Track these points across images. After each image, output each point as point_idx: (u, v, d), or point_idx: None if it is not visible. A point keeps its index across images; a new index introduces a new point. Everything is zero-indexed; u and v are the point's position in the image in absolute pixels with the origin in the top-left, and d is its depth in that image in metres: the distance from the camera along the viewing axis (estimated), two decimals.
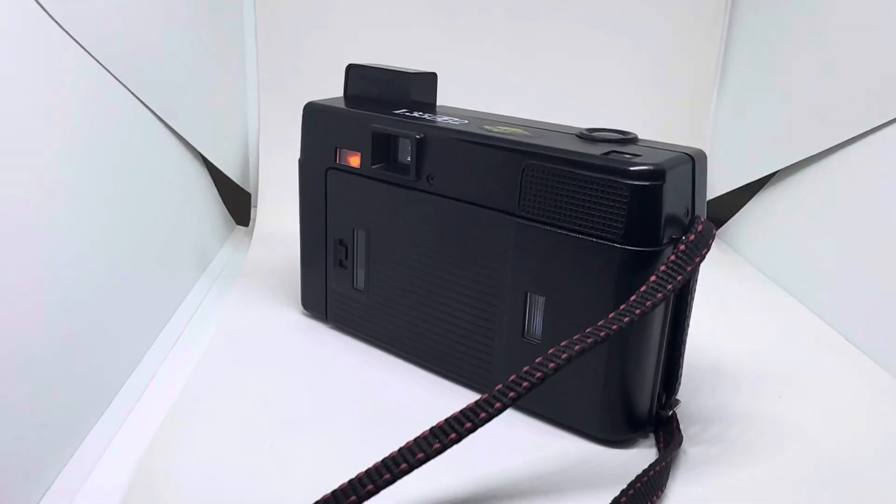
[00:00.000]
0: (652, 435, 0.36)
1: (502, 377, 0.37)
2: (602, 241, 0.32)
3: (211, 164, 0.61)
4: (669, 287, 0.31)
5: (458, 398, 0.38)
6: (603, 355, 0.33)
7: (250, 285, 0.51)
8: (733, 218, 0.68)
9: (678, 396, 0.37)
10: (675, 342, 0.35)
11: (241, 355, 0.42)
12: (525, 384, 0.28)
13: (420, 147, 0.38)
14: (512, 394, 0.27)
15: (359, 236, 0.42)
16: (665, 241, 0.32)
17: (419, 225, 0.39)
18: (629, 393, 0.34)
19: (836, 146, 0.56)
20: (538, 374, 0.28)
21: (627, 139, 0.35)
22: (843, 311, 0.50)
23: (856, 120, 0.54)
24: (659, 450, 0.35)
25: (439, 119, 0.39)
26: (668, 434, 0.35)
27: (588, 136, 0.36)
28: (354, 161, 0.41)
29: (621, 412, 0.35)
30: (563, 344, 0.29)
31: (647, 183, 0.31)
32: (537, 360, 0.29)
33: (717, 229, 0.34)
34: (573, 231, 0.33)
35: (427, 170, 0.38)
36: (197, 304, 0.49)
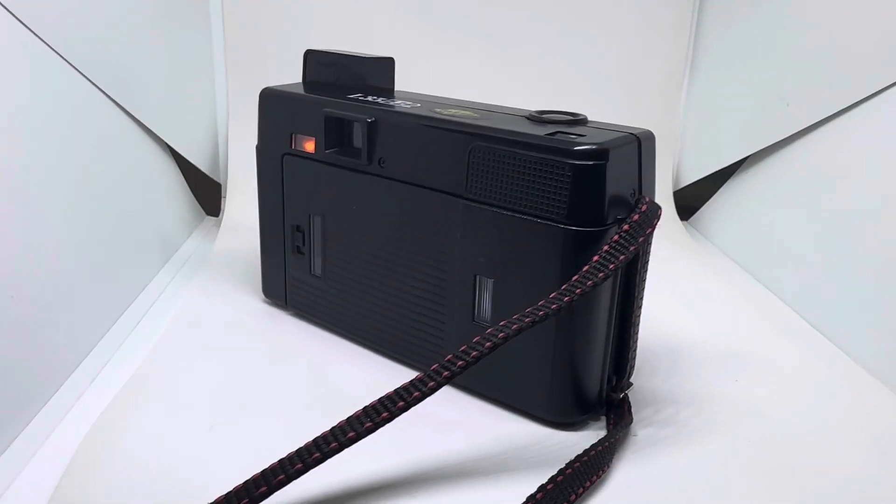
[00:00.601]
0: (603, 418, 0.36)
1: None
2: (547, 222, 0.32)
3: (180, 155, 0.61)
4: (611, 267, 0.30)
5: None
6: (551, 337, 0.33)
7: (215, 274, 0.51)
8: (704, 206, 0.68)
9: (632, 379, 0.37)
10: (625, 324, 0.35)
11: (198, 340, 0.41)
12: (460, 363, 0.28)
13: (371, 131, 0.38)
14: (446, 373, 0.27)
15: (315, 222, 0.42)
16: (609, 222, 0.32)
17: (373, 209, 0.39)
18: (578, 375, 0.34)
19: (802, 131, 0.56)
20: (474, 354, 0.28)
21: (576, 120, 0.35)
22: (809, 297, 0.50)
23: (821, 104, 0.54)
24: (608, 431, 0.35)
25: (393, 103, 0.39)
26: (618, 416, 0.35)
27: (537, 117, 0.35)
28: (309, 146, 0.41)
29: (570, 395, 0.35)
30: (501, 323, 0.29)
31: (589, 163, 0.31)
32: (474, 339, 0.29)
33: (661, 211, 0.33)
34: (519, 212, 0.33)
35: (378, 153, 0.38)
36: (159, 292, 0.48)
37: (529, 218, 0.33)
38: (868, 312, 0.44)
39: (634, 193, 0.34)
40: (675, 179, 0.70)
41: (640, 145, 0.33)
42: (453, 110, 0.37)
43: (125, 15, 0.53)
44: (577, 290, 0.30)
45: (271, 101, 0.43)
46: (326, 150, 0.40)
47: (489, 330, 0.29)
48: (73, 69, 0.46)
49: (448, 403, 0.36)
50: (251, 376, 0.38)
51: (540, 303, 0.30)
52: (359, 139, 0.39)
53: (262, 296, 0.47)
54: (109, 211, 0.47)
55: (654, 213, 0.32)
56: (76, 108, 0.46)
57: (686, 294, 0.52)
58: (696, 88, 0.69)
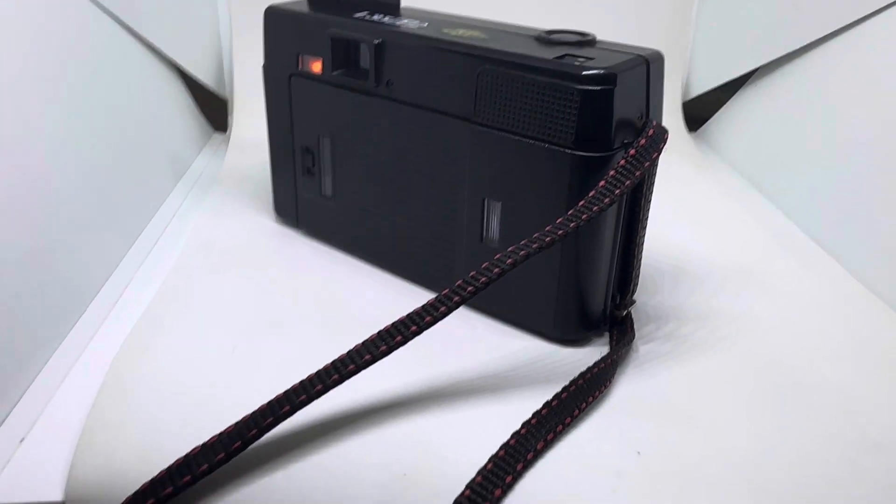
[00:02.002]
0: (607, 334, 0.37)
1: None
2: (554, 147, 0.33)
3: (185, 71, 0.60)
4: (617, 192, 0.31)
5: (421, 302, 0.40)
6: (557, 257, 0.34)
7: (226, 192, 0.52)
8: (713, 118, 0.67)
9: (635, 297, 0.38)
10: (630, 244, 0.36)
11: (212, 263, 0.43)
12: (470, 289, 0.29)
13: (378, 52, 0.38)
14: (456, 298, 0.29)
15: (324, 143, 0.42)
16: (616, 146, 0.32)
17: (381, 131, 0.39)
18: (583, 294, 0.35)
19: (814, 43, 0.55)
20: (483, 279, 0.29)
21: (585, 41, 0.35)
22: (814, 213, 0.50)
23: (833, 15, 0.53)
24: (611, 348, 0.36)
25: (399, 22, 0.38)
26: (621, 333, 0.36)
27: (545, 38, 0.35)
28: (316, 67, 0.41)
29: (575, 312, 0.36)
30: (509, 249, 0.30)
31: (597, 88, 0.31)
32: (483, 265, 0.30)
33: (667, 135, 0.33)
34: (526, 136, 0.33)
35: (386, 75, 0.38)
36: (172, 213, 0.49)
37: (537, 143, 0.33)
38: (872, 231, 0.45)
39: (642, 117, 0.34)
40: (685, 90, 0.69)
41: (648, 68, 0.33)
42: (461, 31, 0.37)
43: None
44: (584, 216, 0.30)
45: (276, 20, 0.42)
46: (333, 72, 0.40)
47: (498, 255, 0.30)
48: None
49: (457, 321, 0.38)
50: (268, 298, 0.39)
51: (546, 228, 0.31)
52: (366, 60, 0.39)
53: (274, 214, 0.48)
54: (119, 132, 0.47)
55: (661, 137, 0.33)
56: (77, 27, 0.46)
57: (690, 209, 0.53)
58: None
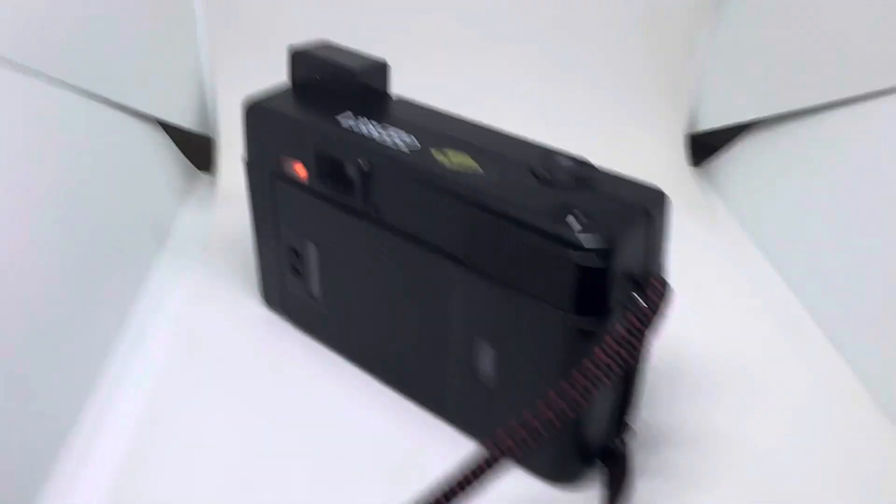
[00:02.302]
0: (600, 463, 0.36)
1: (456, 407, 0.37)
2: (548, 306, 0.31)
3: (164, 121, 0.57)
4: (615, 367, 0.30)
5: (415, 428, 0.39)
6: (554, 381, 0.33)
7: (210, 267, 0.50)
8: (719, 156, 0.65)
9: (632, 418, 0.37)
10: (629, 385, 0.35)
11: (197, 378, 0.41)
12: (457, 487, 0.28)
13: (365, 177, 0.35)
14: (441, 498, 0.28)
15: (310, 248, 0.41)
16: (614, 305, 0.31)
17: (369, 252, 0.37)
18: (580, 435, 0.34)
19: (836, 102, 0.52)
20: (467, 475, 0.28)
21: (584, 178, 0.33)
22: (818, 292, 0.49)
23: (860, 80, 0.50)
24: (604, 488, 0.35)
25: (388, 137, 0.36)
26: (615, 469, 0.35)
27: (543, 174, 0.33)
28: (300, 171, 0.39)
29: (571, 455, 0.35)
30: (494, 439, 0.29)
31: (596, 259, 0.29)
32: (466, 462, 0.29)
33: (670, 296, 0.31)
34: (520, 290, 0.32)
35: (373, 198, 0.36)
36: (154, 299, 0.47)
37: (530, 298, 0.31)
38: (879, 324, 0.43)
39: (643, 267, 0.32)
40: (691, 120, 0.66)
41: (651, 220, 0.31)
42: (451, 154, 0.35)
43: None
44: (581, 403, 0.29)
45: (257, 117, 0.40)
46: (319, 183, 0.38)
47: (480, 450, 0.29)
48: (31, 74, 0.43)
49: (444, 447, 0.37)
50: (258, 432, 0.38)
51: (535, 412, 0.29)
52: (353, 172, 0.37)
53: (262, 299, 0.46)
54: (92, 215, 0.45)
55: (663, 294, 0.31)
56: (38, 111, 0.43)
57: (687, 275, 0.51)
58: (725, 27, 0.63)
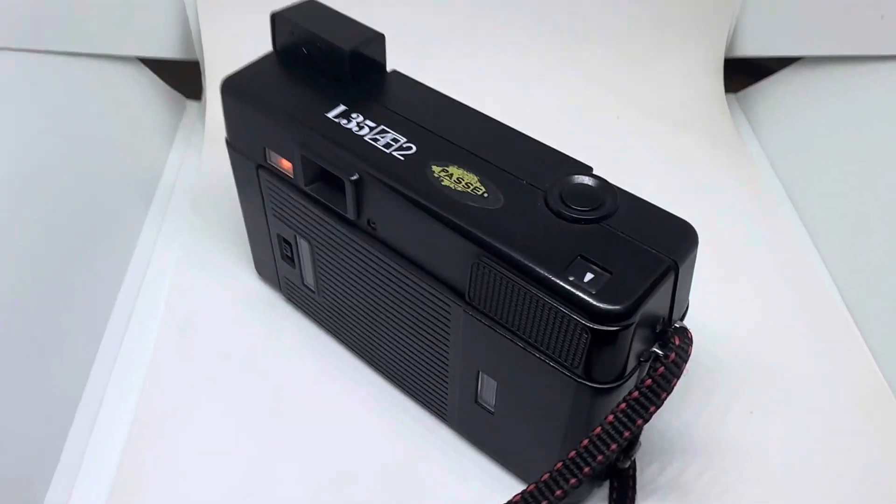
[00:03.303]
0: (606, 484, 0.35)
1: (458, 418, 0.36)
2: (557, 367, 0.28)
3: (147, 58, 0.52)
4: (627, 434, 0.27)
5: (415, 433, 0.37)
6: (562, 424, 0.31)
7: (201, 227, 0.47)
8: (758, 85, 0.58)
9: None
10: None
11: (191, 364, 0.40)
12: None
13: (357, 188, 0.31)
14: None
15: (301, 244, 0.37)
16: (630, 371, 0.28)
17: (366, 264, 0.34)
18: None
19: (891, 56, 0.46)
20: None
21: (602, 210, 0.28)
22: (847, 265, 0.45)
23: None
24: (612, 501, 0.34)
25: (382, 140, 0.32)
26: (622, 487, 0.34)
27: (557, 204, 0.29)
28: (286, 165, 0.35)
29: None
30: None
31: (613, 327, 0.26)
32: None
33: (692, 349, 0.28)
34: (528, 344, 0.29)
35: (367, 213, 0.32)
36: (144, 272, 0.45)
37: (538, 354, 0.29)
38: None
39: (664, 321, 0.29)
40: (730, 43, 0.59)
41: (677, 273, 0.28)
42: (453, 169, 0.30)
43: None
44: (585, 469, 0.27)
45: (236, 99, 0.35)
46: (306, 186, 0.34)
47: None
48: None
49: (448, 462, 0.36)
50: (254, 421, 0.37)
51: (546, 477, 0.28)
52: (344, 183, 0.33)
53: (255, 270, 0.44)
54: (76, 182, 0.42)
55: (684, 356, 0.28)
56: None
57: (707, 230, 0.47)
58: None
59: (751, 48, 0.56)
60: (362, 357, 0.40)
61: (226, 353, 0.40)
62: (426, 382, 0.36)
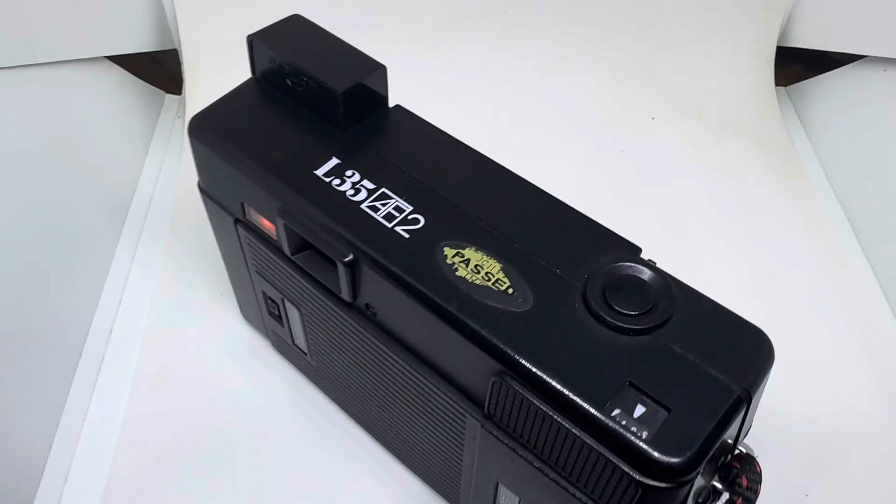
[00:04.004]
0: None
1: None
2: None
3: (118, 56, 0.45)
4: None
5: None
6: None
7: (179, 254, 0.41)
8: (812, 80, 0.51)
9: None
10: None
11: (162, 442, 0.34)
12: None
13: (353, 271, 0.26)
14: None
15: (290, 308, 0.32)
16: None
17: (365, 348, 0.29)
18: None
19: None
20: None
21: (654, 316, 0.23)
22: None
23: None
24: None
25: (382, 209, 0.26)
26: None
27: (600, 306, 0.23)
28: (269, 225, 0.29)
29: None
30: None
31: (668, 484, 0.21)
32: None
33: (760, 487, 0.23)
34: (560, 477, 0.24)
35: (365, 297, 0.27)
36: (116, 303, 0.40)
37: (572, 492, 0.23)
38: None
39: (728, 447, 0.23)
40: (784, 31, 0.51)
41: (749, 404, 0.22)
42: (470, 256, 0.25)
43: None
44: None
45: (205, 145, 0.29)
46: (293, 255, 0.28)
47: None
48: None
49: None
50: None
51: None
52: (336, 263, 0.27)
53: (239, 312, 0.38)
54: (43, 204, 0.36)
55: (752, 498, 0.23)
56: None
57: (759, 266, 0.41)
58: None
59: (808, 39, 0.49)
60: (364, 428, 0.35)
61: (205, 418, 0.35)
62: (437, 473, 0.31)
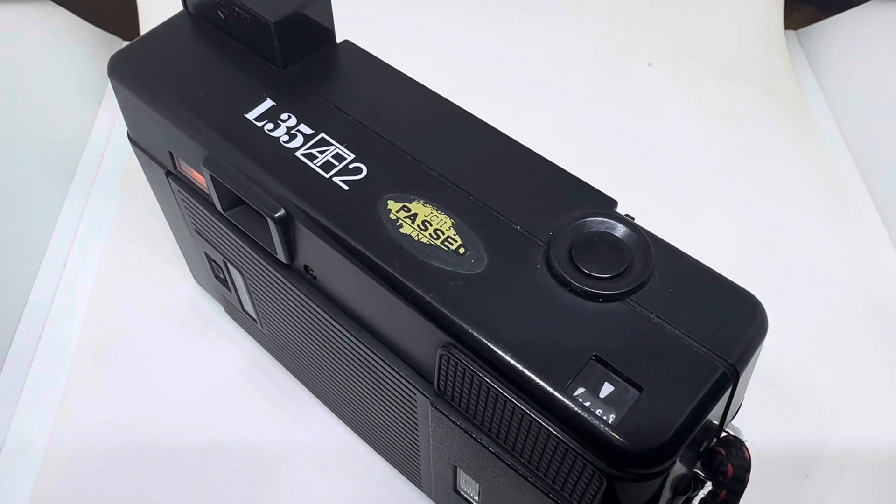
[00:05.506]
0: None
1: (434, 492, 0.28)
2: None
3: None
4: None
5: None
6: None
7: (130, 214, 0.38)
8: (822, 23, 0.47)
9: None
10: None
11: (107, 406, 0.32)
12: None
13: (285, 228, 0.23)
14: None
15: (233, 271, 0.29)
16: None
17: (308, 313, 0.25)
18: None
19: None
20: None
21: (629, 288, 0.20)
22: None
23: None
24: None
25: (320, 156, 0.22)
26: None
27: (564, 268, 0.20)
28: (200, 178, 0.26)
29: None
30: None
31: (638, 473, 0.18)
32: None
33: (749, 475, 0.20)
34: (518, 463, 0.21)
35: (303, 258, 0.23)
36: (61, 265, 0.37)
37: (532, 482, 0.20)
38: None
39: (711, 434, 0.20)
40: None
41: (736, 381, 0.19)
42: (417, 210, 0.21)
43: None
44: None
45: (126, 88, 0.25)
46: (225, 210, 0.25)
47: None
48: None
49: None
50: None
51: None
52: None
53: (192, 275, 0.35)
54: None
55: (738, 491, 0.20)
56: None
57: (764, 218, 0.38)
58: None
59: None
60: (322, 401, 0.32)
61: (150, 390, 0.32)
62: (397, 453, 0.28)
